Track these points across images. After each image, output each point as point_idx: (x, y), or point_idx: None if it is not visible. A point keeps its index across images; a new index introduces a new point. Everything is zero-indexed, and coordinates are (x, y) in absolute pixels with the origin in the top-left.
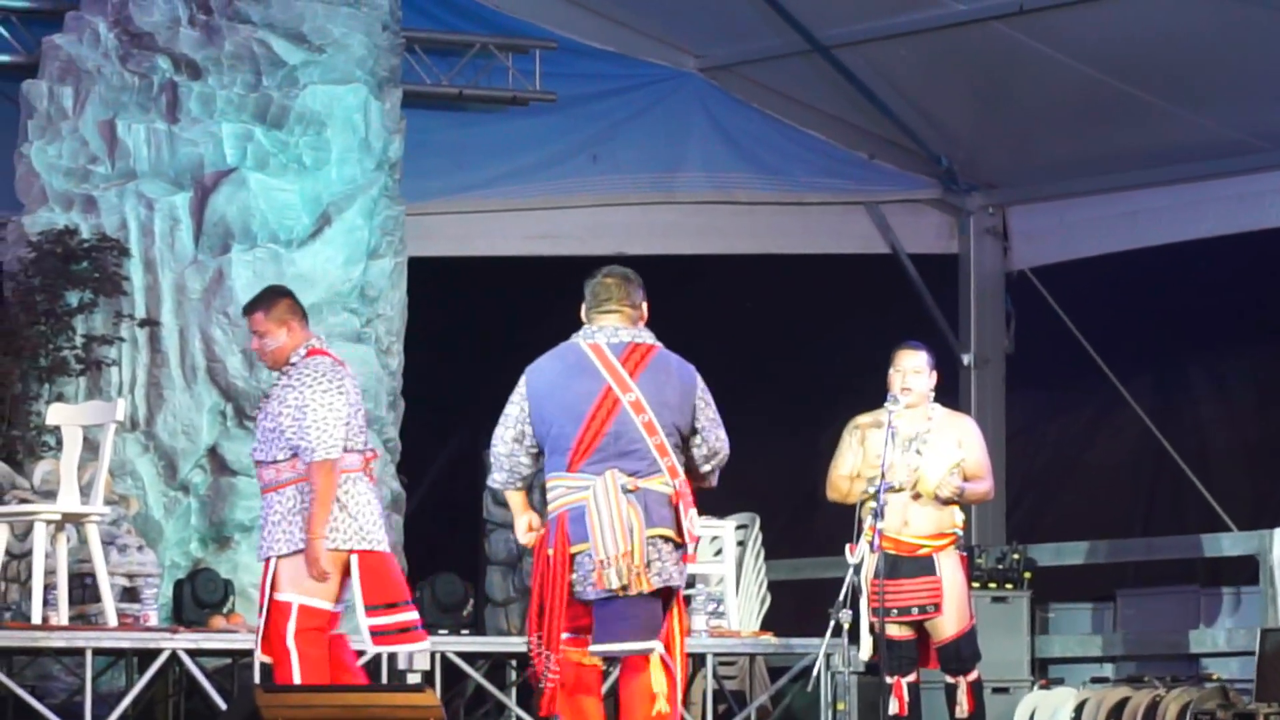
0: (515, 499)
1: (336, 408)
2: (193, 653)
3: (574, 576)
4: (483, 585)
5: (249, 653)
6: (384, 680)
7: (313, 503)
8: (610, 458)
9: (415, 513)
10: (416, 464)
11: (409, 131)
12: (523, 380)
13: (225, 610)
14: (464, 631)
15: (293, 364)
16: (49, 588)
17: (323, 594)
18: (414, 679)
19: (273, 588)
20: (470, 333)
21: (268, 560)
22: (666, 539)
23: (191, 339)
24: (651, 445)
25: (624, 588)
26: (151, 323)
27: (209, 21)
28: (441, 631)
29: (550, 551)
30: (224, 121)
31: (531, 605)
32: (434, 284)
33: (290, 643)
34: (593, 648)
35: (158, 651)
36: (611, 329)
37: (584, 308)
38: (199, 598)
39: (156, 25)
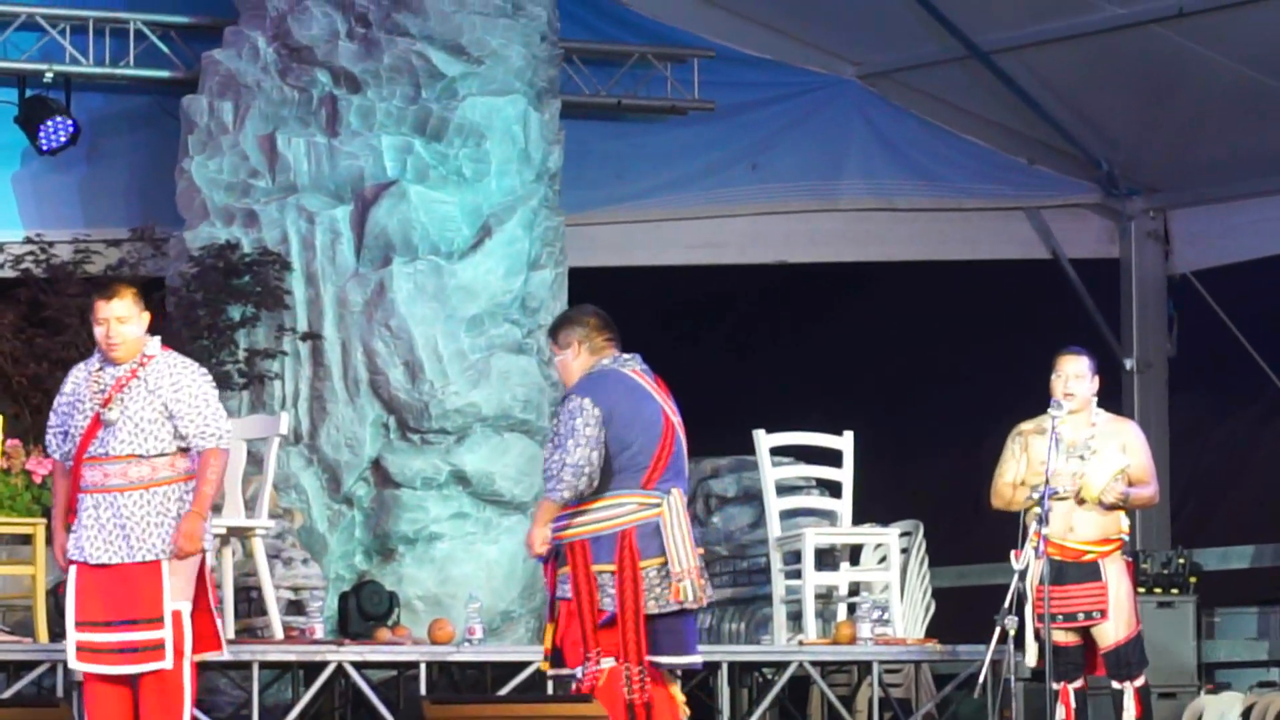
0: (555, 511)
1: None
2: (358, 665)
3: None
4: None
5: (415, 665)
6: None
7: (206, 483)
8: (672, 477)
9: None
10: None
11: (568, 142)
12: (592, 404)
13: (390, 623)
14: None
15: (150, 356)
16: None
17: None
18: None
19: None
20: (631, 342)
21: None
22: (701, 557)
23: (354, 352)
24: (687, 466)
25: (695, 601)
26: (313, 336)
27: (368, 34)
28: None
29: (613, 567)
30: (384, 134)
31: (591, 620)
32: (594, 294)
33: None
34: (668, 660)
35: (324, 664)
36: (626, 356)
37: (581, 340)
38: (364, 610)
39: (315, 39)
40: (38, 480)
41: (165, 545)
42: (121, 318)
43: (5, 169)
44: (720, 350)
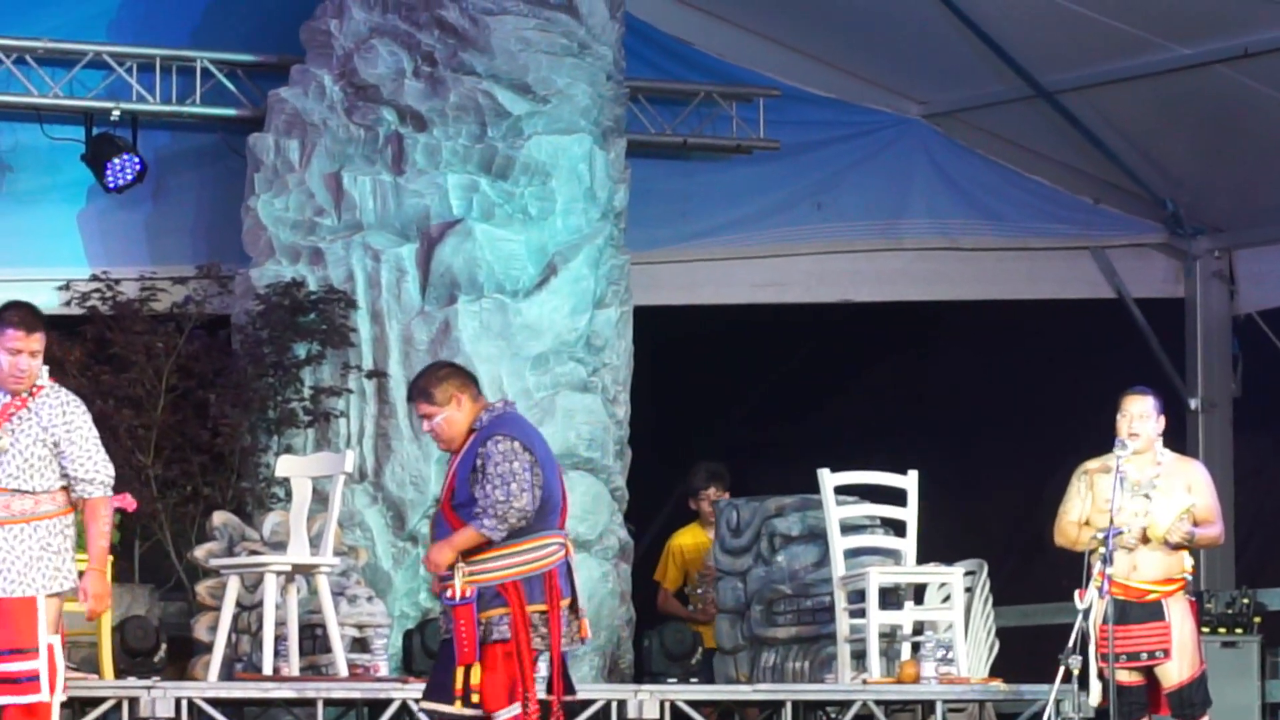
0: (475, 544)
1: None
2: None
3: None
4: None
5: None
6: None
7: (103, 537)
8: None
9: (641, 561)
10: (642, 513)
11: (633, 180)
12: (522, 447)
13: None
14: (692, 680)
15: (40, 386)
16: (279, 639)
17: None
18: None
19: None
20: (696, 381)
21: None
22: None
23: None
24: None
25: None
26: (379, 374)
27: (433, 73)
28: (670, 680)
29: (544, 607)
30: (449, 173)
31: (530, 660)
32: (659, 332)
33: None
34: (566, 697)
35: (388, 702)
36: (503, 401)
37: (461, 391)
38: (428, 648)
39: (381, 78)
40: None
41: (45, 580)
42: (36, 352)
43: (72, 207)
44: (785, 389)
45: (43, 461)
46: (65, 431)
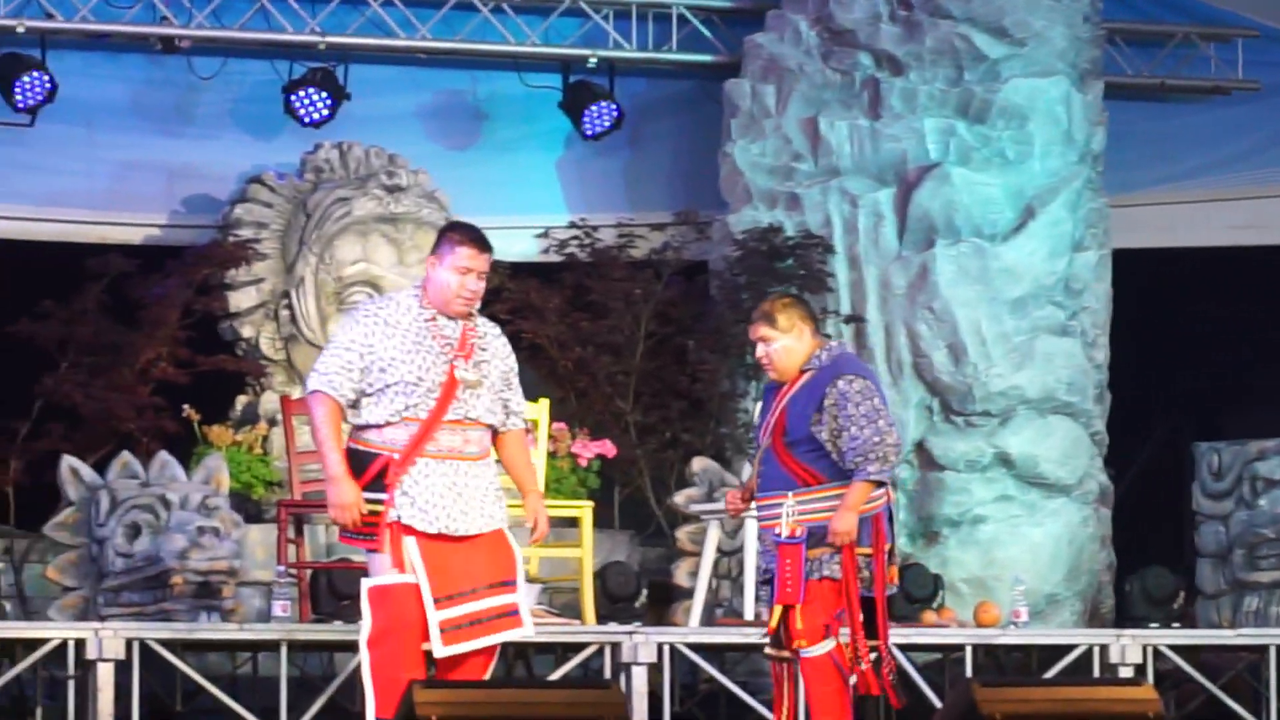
0: (869, 493)
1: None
2: (904, 647)
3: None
4: (1192, 577)
5: (960, 648)
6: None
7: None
8: None
9: (1121, 505)
10: (1123, 456)
11: (1110, 123)
12: (874, 387)
13: (935, 605)
14: (1175, 625)
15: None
16: (761, 584)
17: None
18: (1126, 673)
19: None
20: (1175, 324)
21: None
22: None
23: (897, 334)
24: None
25: None
26: (857, 319)
27: (909, 17)
28: (1152, 625)
29: (869, 550)
30: (926, 117)
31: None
32: (1138, 275)
33: None
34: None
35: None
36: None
37: (803, 322)
38: (909, 592)
39: (858, 22)
40: (583, 464)
41: (503, 514)
42: (484, 274)
43: (550, 154)
44: (1265, 331)
45: (498, 395)
46: (513, 362)
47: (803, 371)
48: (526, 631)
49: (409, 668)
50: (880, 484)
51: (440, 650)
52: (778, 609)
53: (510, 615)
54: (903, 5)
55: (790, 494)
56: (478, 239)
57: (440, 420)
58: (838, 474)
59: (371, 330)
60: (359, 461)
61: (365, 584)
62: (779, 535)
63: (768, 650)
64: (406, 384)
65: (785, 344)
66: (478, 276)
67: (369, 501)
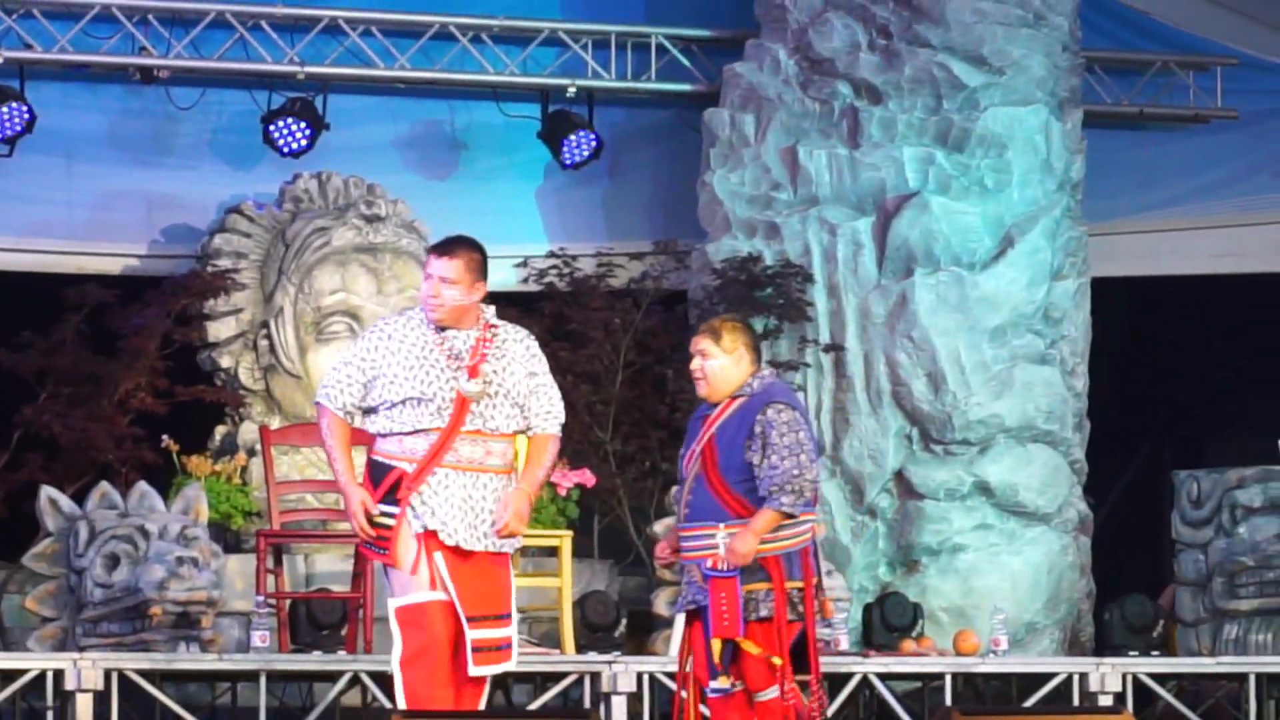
0: (777, 523)
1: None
2: (883, 676)
3: None
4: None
5: (940, 676)
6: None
7: (543, 469)
8: None
9: (1101, 533)
10: (1102, 484)
11: (1090, 151)
12: (802, 419)
13: (914, 634)
14: (1153, 653)
15: (493, 325)
16: None
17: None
18: (1105, 701)
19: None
20: (1154, 352)
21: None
22: None
23: (876, 363)
24: None
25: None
26: (836, 348)
27: (888, 46)
28: (1131, 653)
29: (801, 584)
30: (905, 146)
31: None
32: (1117, 304)
33: None
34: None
35: (849, 675)
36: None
37: (748, 348)
38: (888, 621)
39: (836, 51)
40: (562, 493)
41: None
42: (448, 279)
43: (529, 183)
44: (1244, 360)
45: (516, 404)
46: (539, 365)
47: (734, 398)
48: (511, 664)
49: (442, 687)
50: (791, 516)
51: (474, 669)
52: (717, 643)
53: (504, 649)
54: (881, 34)
55: (722, 525)
56: (439, 244)
57: (457, 432)
58: None
59: (376, 345)
60: (377, 472)
61: (393, 604)
62: (709, 569)
63: (714, 684)
64: (417, 400)
65: (722, 363)
66: (440, 280)
67: (382, 514)
